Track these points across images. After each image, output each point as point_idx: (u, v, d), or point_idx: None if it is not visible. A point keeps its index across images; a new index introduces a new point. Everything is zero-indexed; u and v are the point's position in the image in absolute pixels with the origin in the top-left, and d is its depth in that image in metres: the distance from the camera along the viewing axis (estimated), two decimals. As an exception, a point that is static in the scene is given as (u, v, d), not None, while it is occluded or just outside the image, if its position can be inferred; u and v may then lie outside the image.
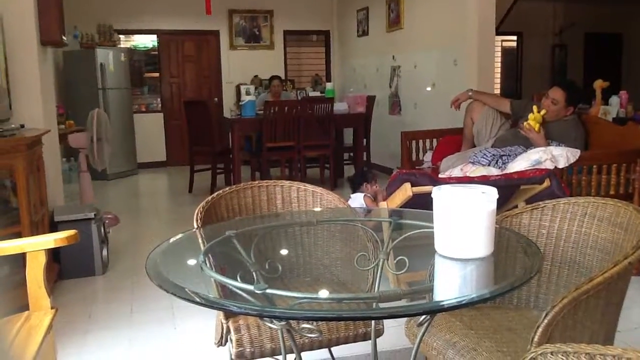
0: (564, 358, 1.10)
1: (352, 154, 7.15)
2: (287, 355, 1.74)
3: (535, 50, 9.57)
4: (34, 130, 3.51)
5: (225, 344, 1.87)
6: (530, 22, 9.32)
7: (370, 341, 1.91)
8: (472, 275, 1.53)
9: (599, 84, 4.58)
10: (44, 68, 3.96)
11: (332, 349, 2.39)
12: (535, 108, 3.74)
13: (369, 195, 3.84)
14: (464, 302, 1.31)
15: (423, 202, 2.29)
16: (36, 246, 1.92)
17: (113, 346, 2.74)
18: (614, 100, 4.54)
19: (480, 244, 1.46)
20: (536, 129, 3.65)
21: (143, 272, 4.19)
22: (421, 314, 1.42)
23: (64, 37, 4.27)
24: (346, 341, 1.85)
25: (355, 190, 4.04)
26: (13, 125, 3.38)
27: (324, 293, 1.90)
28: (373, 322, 1.83)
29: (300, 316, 1.37)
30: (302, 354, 1.71)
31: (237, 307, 1.27)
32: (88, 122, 4.62)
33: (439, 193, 1.49)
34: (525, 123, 3.72)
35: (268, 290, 1.27)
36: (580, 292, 1.36)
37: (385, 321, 1.95)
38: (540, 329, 1.33)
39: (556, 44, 9.71)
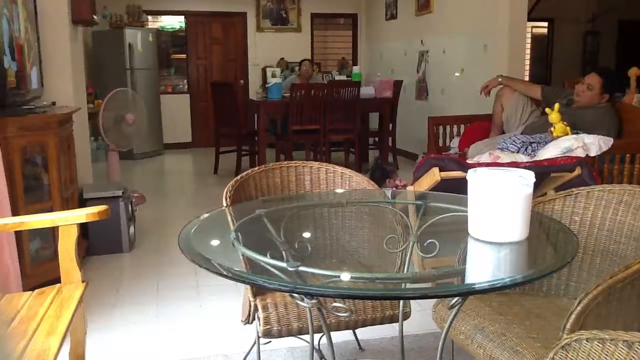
0: (600, 345, 1.08)
1: (377, 139, 7.11)
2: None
3: (567, 37, 9.37)
4: (65, 108, 3.56)
5: (252, 322, 1.89)
6: (563, 9, 9.11)
7: (394, 324, 1.91)
8: (506, 259, 1.51)
9: (634, 72, 4.47)
10: (74, 47, 4.00)
11: (357, 330, 2.41)
12: (556, 106, 3.56)
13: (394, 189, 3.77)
14: (497, 285, 1.30)
15: (450, 187, 2.27)
16: (68, 220, 1.95)
17: (140, 321, 2.78)
18: (649, 88, 4.43)
19: (516, 228, 1.44)
20: (559, 120, 3.49)
21: (169, 250, 4.23)
22: (454, 296, 1.41)
23: (94, 17, 4.30)
24: (373, 323, 1.85)
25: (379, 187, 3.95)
26: (45, 103, 3.43)
27: (355, 273, 1.90)
28: (401, 304, 1.83)
29: (333, 293, 1.37)
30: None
31: (270, 283, 1.27)
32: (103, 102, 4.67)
33: (475, 175, 1.47)
34: (553, 132, 3.56)
35: (300, 268, 1.27)
36: (616, 279, 1.33)
37: (411, 306, 1.94)
38: (573, 316, 1.31)
39: (588, 31, 9.49)
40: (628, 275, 1.35)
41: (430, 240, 1.59)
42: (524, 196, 1.43)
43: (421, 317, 2.62)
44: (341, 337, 2.46)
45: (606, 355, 1.07)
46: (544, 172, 3.00)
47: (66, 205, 3.23)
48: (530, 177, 1.44)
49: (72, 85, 3.84)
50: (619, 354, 1.05)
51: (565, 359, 1.16)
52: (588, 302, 1.31)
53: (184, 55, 8.96)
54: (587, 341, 1.11)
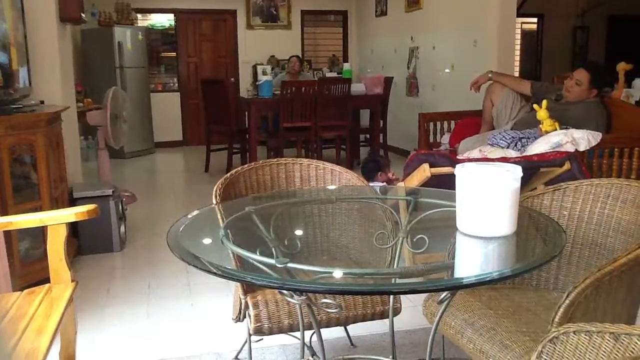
0: (587, 337, 1.09)
1: (368, 136, 7.11)
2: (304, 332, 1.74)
3: (556, 32, 9.41)
4: (53, 106, 3.53)
5: (243, 320, 1.89)
6: (552, 4, 9.15)
7: (385, 320, 1.92)
8: (495, 253, 1.52)
9: (622, 67, 4.49)
10: (63, 45, 3.97)
11: (349, 327, 2.41)
12: (544, 103, 3.55)
13: (384, 184, 3.78)
14: (485, 279, 1.30)
15: (441, 183, 2.27)
16: (57, 219, 1.93)
17: (131, 321, 2.77)
18: (638, 83, 4.45)
19: (503, 223, 1.45)
20: (547, 117, 3.50)
21: (160, 249, 4.21)
22: (442, 290, 1.41)
23: (82, 15, 4.27)
24: (363, 319, 1.85)
25: (368, 179, 3.96)
26: (33, 102, 3.40)
27: (344, 269, 1.90)
28: (391, 299, 1.83)
29: (322, 289, 1.37)
30: (318, 331, 1.72)
31: (259, 280, 1.27)
32: (104, 100, 4.65)
33: (462, 170, 1.47)
34: (542, 128, 3.55)
35: (289, 264, 1.27)
36: (603, 273, 1.34)
37: (402, 301, 1.95)
38: (561, 309, 1.32)
39: (578, 26, 9.54)
40: (615, 268, 1.36)
41: (419, 236, 1.59)
42: (511, 190, 1.43)
43: (412, 312, 2.63)
44: (333, 333, 2.46)
45: (593, 347, 1.08)
46: (533, 167, 3.01)
47: (56, 204, 3.21)
48: (517, 171, 1.45)
49: (61, 84, 3.81)
50: (606, 346, 1.06)
51: (553, 352, 1.16)
52: (576, 296, 1.32)
53: (174, 53, 8.91)
54: (574, 334, 1.12)
